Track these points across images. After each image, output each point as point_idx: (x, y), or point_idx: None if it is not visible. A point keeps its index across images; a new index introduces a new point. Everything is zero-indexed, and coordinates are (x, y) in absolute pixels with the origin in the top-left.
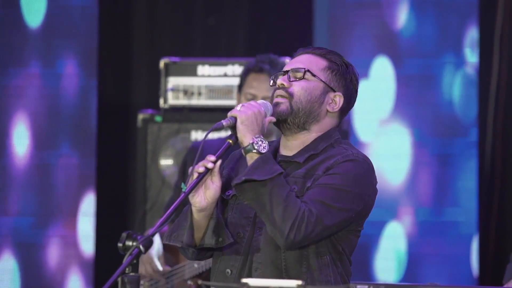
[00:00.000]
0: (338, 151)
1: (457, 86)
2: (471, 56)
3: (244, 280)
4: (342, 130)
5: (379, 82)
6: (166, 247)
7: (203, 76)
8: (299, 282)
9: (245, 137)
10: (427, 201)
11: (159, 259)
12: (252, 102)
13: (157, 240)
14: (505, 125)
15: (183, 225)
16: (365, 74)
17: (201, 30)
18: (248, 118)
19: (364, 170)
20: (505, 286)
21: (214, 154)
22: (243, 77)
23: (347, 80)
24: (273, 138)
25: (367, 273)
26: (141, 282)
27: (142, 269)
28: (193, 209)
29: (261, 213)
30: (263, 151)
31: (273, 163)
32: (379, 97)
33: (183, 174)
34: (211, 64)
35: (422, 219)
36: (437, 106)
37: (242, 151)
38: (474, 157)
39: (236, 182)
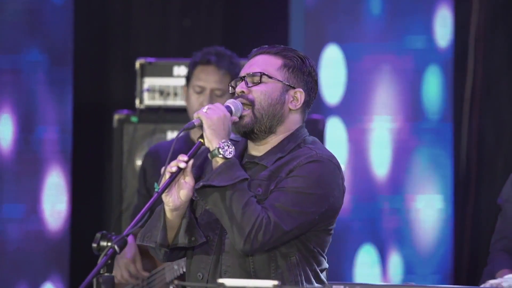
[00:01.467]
0: (303, 152)
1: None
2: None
3: (220, 281)
4: (318, 129)
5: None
6: (141, 252)
7: (179, 76)
8: (275, 282)
9: (212, 142)
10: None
11: (136, 264)
12: (218, 105)
13: (132, 245)
14: (480, 126)
15: (156, 225)
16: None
17: (177, 31)
18: (214, 122)
19: (328, 170)
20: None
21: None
22: (191, 70)
23: (305, 74)
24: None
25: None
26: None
27: (118, 275)
28: (166, 208)
29: (220, 219)
30: (228, 156)
31: (238, 169)
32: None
33: (144, 181)
34: (187, 65)
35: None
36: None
37: (209, 154)
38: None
39: (196, 187)
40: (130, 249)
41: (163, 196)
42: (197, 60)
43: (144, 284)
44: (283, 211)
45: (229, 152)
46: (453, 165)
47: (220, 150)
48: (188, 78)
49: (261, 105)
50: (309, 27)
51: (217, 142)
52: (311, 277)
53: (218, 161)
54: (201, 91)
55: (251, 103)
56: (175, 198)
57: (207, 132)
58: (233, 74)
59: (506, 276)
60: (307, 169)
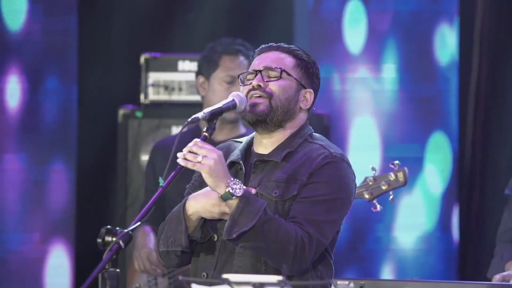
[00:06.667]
0: (315, 150)
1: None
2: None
3: (225, 276)
4: (323, 124)
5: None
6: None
7: (183, 71)
8: (280, 278)
9: (218, 187)
10: None
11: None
12: (207, 146)
13: (152, 235)
14: (485, 122)
15: (178, 229)
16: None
17: (182, 26)
18: (213, 168)
19: (344, 171)
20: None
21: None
22: (215, 60)
23: (313, 76)
24: (240, 127)
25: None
26: (136, 285)
27: (137, 265)
28: (189, 212)
29: (257, 252)
30: (239, 194)
31: (254, 200)
32: None
33: (153, 176)
34: (191, 60)
35: None
36: None
37: (219, 198)
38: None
39: (228, 239)
40: (150, 239)
41: (189, 202)
42: (220, 50)
43: (165, 278)
44: (318, 224)
45: (239, 189)
46: (458, 159)
47: (230, 191)
48: (208, 69)
49: (279, 98)
50: (313, 23)
51: (224, 186)
52: (320, 276)
53: (233, 203)
54: (232, 81)
55: (268, 96)
56: (194, 203)
57: (209, 182)
58: None
59: None
60: (326, 173)
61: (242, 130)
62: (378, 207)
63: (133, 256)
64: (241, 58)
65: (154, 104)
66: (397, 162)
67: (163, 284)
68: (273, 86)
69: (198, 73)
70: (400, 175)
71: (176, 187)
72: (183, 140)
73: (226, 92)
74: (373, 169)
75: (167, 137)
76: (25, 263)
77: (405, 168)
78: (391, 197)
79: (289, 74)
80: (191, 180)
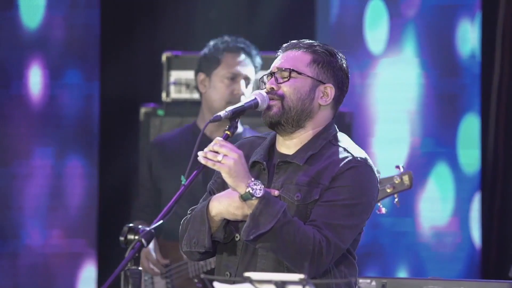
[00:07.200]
0: (338, 154)
1: None
2: None
3: (247, 274)
4: (345, 123)
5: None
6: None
7: None
8: (301, 276)
9: (239, 187)
10: None
11: (156, 253)
12: (229, 145)
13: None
14: (508, 119)
15: (201, 229)
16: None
17: (203, 24)
18: (233, 168)
19: (367, 176)
20: None
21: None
22: (217, 57)
23: (335, 69)
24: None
25: None
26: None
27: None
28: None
29: (275, 253)
30: (259, 195)
31: (274, 202)
32: None
33: (150, 173)
34: None
35: None
36: None
37: (239, 198)
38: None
39: (246, 239)
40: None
41: (212, 203)
42: (223, 47)
43: (162, 277)
44: (337, 228)
45: (259, 190)
46: (480, 162)
47: (250, 192)
48: (209, 66)
49: (290, 99)
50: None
51: (244, 186)
52: (341, 285)
53: (253, 203)
54: (234, 77)
55: (280, 98)
56: (217, 204)
57: (229, 181)
58: (255, 64)
59: None
60: (349, 177)
61: (239, 129)
62: (383, 210)
63: None
64: (243, 55)
65: (175, 103)
66: (402, 165)
67: (160, 283)
68: (285, 87)
69: (198, 70)
70: (406, 178)
71: (175, 185)
72: (183, 137)
73: (227, 89)
74: (399, 167)
75: (163, 134)
76: (46, 259)
77: (411, 172)
78: (396, 199)
79: (299, 73)
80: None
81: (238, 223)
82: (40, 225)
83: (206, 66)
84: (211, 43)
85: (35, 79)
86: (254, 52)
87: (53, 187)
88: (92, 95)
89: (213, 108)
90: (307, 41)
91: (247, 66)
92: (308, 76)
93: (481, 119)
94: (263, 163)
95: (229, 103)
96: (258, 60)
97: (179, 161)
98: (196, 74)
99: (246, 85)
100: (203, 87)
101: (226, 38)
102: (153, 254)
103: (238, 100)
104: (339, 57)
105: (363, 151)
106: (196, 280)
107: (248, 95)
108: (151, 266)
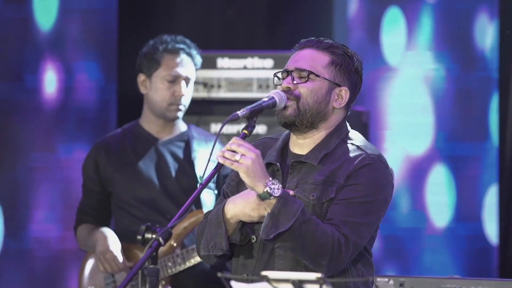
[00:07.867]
0: (352, 152)
1: None
2: None
3: (264, 273)
4: (362, 122)
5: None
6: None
7: (222, 68)
8: (319, 275)
9: (257, 187)
10: None
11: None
12: (246, 145)
13: (114, 236)
14: None
15: (218, 233)
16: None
17: (220, 23)
18: (250, 168)
19: (382, 173)
20: None
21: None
22: (157, 59)
23: (351, 72)
24: (180, 125)
25: None
26: (92, 287)
27: (102, 267)
28: (228, 216)
29: (294, 253)
30: (278, 194)
31: (292, 201)
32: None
33: (97, 175)
34: (230, 57)
35: None
36: None
37: (257, 198)
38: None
39: (265, 239)
40: (111, 241)
41: (227, 205)
42: (162, 48)
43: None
44: (355, 226)
45: (277, 189)
46: (499, 160)
47: (268, 191)
48: (149, 67)
49: (306, 101)
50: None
51: (262, 185)
52: (358, 284)
53: (271, 202)
54: (174, 80)
55: (296, 98)
56: (232, 206)
57: (247, 181)
58: (195, 63)
59: None
60: (364, 175)
61: (183, 127)
62: None
63: (96, 259)
64: (183, 55)
65: (193, 101)
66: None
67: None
68: (302, 89)
69: (138, 71)
70: None
71: (130, 187)
72: (125, 137)
73: (168, 91)
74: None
75: (108, 135)
76: (62, 254)
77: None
78: None
79: (317, 75)
80: (140, 185)
81: (254, 225)
82: (57, 220)
83: (146, 67)
84: (151, 42)
85: (51, 77)
86: (194, 51)
87: (69, 182)
88: (110, 93)
89: (155, 110)
90: (326, 40)
91: (187, 67)
92: (326, 78)
93: (500, 111)
94: (277, 164)
95: (171, 104)
96: (198, 59)
97: (127, 162)
98: (136, 75)
99: (187, 85)
100: (144, 88)
101: (165, 37)
102: (120, 256)
103: (179, 102)
104: (355, 59)
105: (376, 148)
106: (163, 282)
107: (188, 95)
108: (121, 267)
